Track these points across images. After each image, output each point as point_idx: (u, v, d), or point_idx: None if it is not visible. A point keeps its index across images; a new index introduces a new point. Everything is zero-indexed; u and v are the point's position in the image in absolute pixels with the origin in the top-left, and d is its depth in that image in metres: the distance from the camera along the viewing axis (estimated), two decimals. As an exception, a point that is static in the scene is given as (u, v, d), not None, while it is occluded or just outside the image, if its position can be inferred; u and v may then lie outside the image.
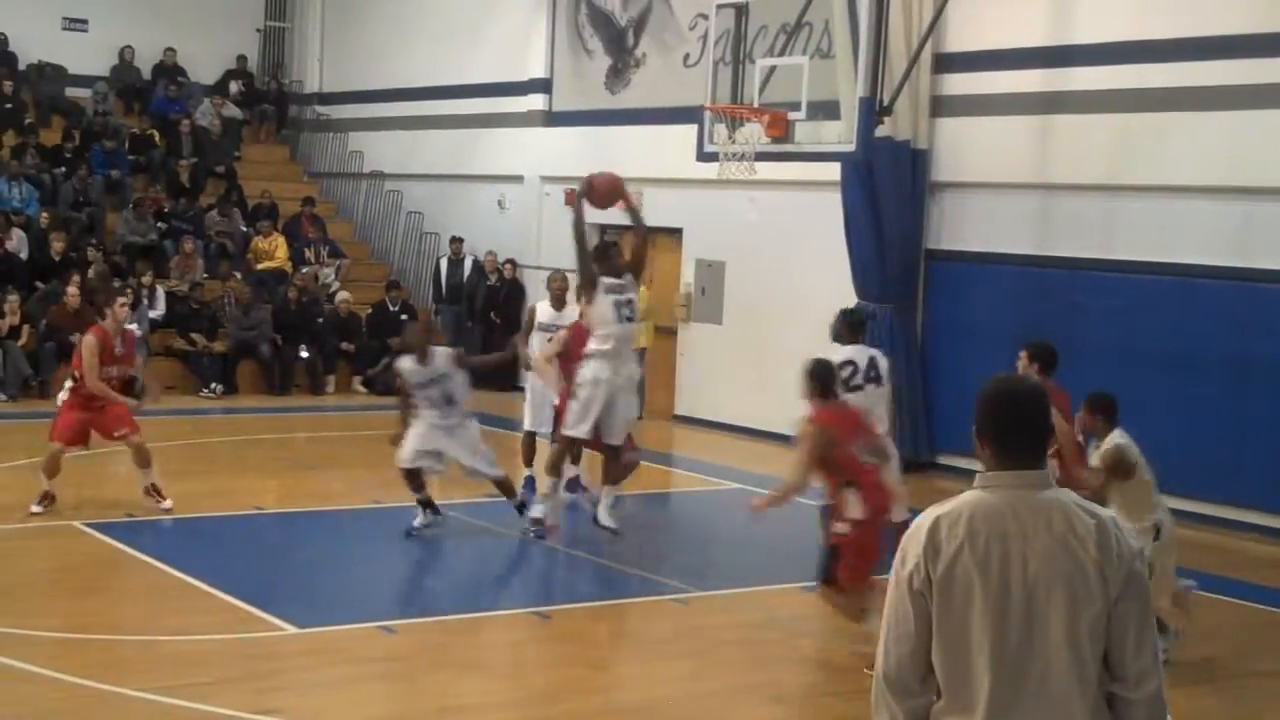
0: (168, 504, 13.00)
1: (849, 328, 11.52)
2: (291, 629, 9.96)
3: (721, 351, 19.67)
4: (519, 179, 23.44)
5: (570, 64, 22.83)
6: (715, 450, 18.29)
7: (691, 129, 19.51)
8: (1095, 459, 9.79)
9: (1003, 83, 16.88)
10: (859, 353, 11.29)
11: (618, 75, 22.08)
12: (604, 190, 12.11)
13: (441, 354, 12.49)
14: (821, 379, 9.48)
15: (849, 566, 9.23)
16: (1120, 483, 9.56)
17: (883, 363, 11.42)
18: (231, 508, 13.73)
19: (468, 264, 24.09)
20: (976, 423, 4.14)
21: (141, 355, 20.56)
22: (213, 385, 21.22)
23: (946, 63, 17.46)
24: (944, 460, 17.32)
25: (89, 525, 12.48)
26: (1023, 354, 10.39)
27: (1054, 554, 3.97)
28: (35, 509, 12.65)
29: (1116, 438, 9.68)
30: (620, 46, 22.03)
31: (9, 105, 25.34)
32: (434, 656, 9.63)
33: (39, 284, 21.32)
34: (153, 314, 21.50)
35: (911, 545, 4.07)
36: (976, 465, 4.25)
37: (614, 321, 11.90)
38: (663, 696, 9.04)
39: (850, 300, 17.60)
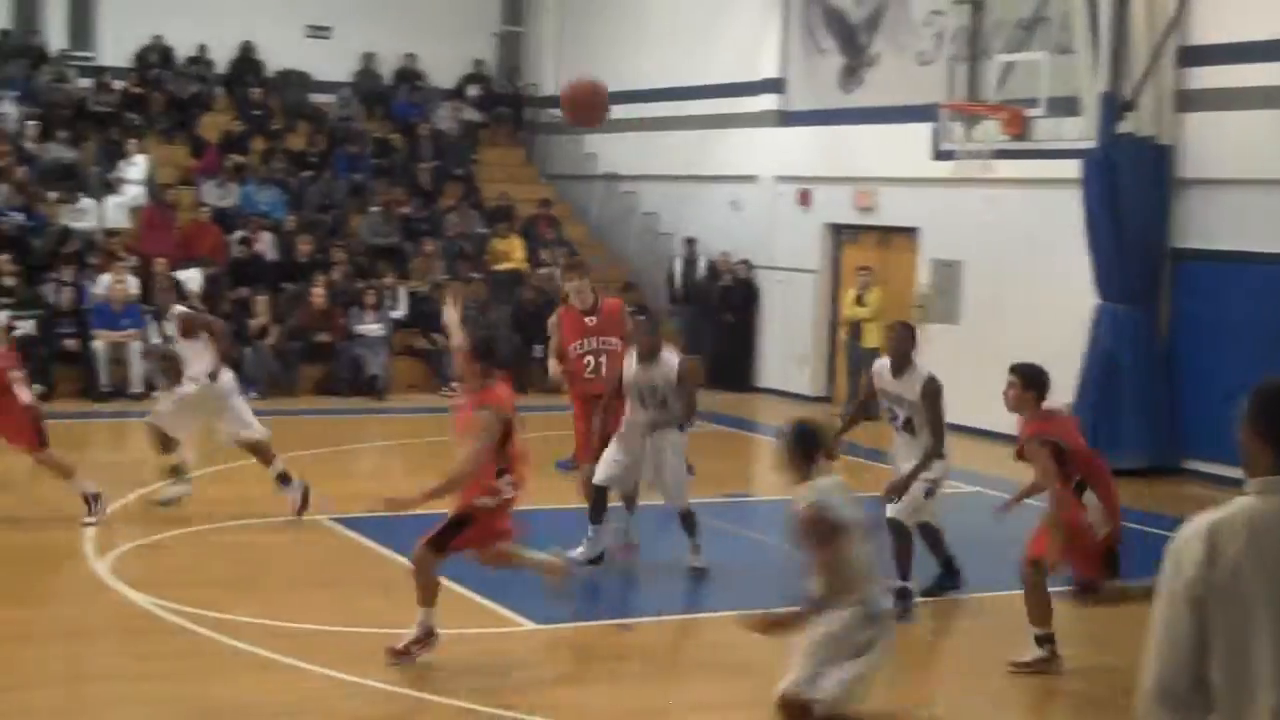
0: (91, 520, 12.39)
1: None
2: (529, 625, 10.08)
3: (959, 353, 19.33)
4: (753, 179, 23.41)
5: (803, 63, 22.74)
6: (953, 453, 17.99)
7: (927, 127, 19.31)
8: None
9: (1252, 75, 16.35)
10: None
11: (851, 74, 21.93)
12: (583, 101, 10.94)
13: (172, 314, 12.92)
14: (486, 352, 9.15)
15: (469, 537, 9.02)
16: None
17: None
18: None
19: (702, 265, 24.15)
20: (1251, 424, 3.97)
21: (384, 354, 21.13)
22: (453, 384, 21.60)
23: (1192, 56, 16.97)
24: (1191, 465, 16.84)
25: (334, 520, 12.78)
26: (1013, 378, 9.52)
27: None
28: (90, 520, 12.36)
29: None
30: (854, 45, 21.88)
31: (257, 112, 26.13)
32: (669, 655, 9.66)
33: (286, 285, 21.96)
34: (395, 314, 21.99)
35: (1187, 553, 3.91)
36: (1226, 471, 4.11)
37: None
38: (894, 700, 8.93)
39: (1091, 300, 17.25)
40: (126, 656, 9.33)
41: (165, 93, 25.77)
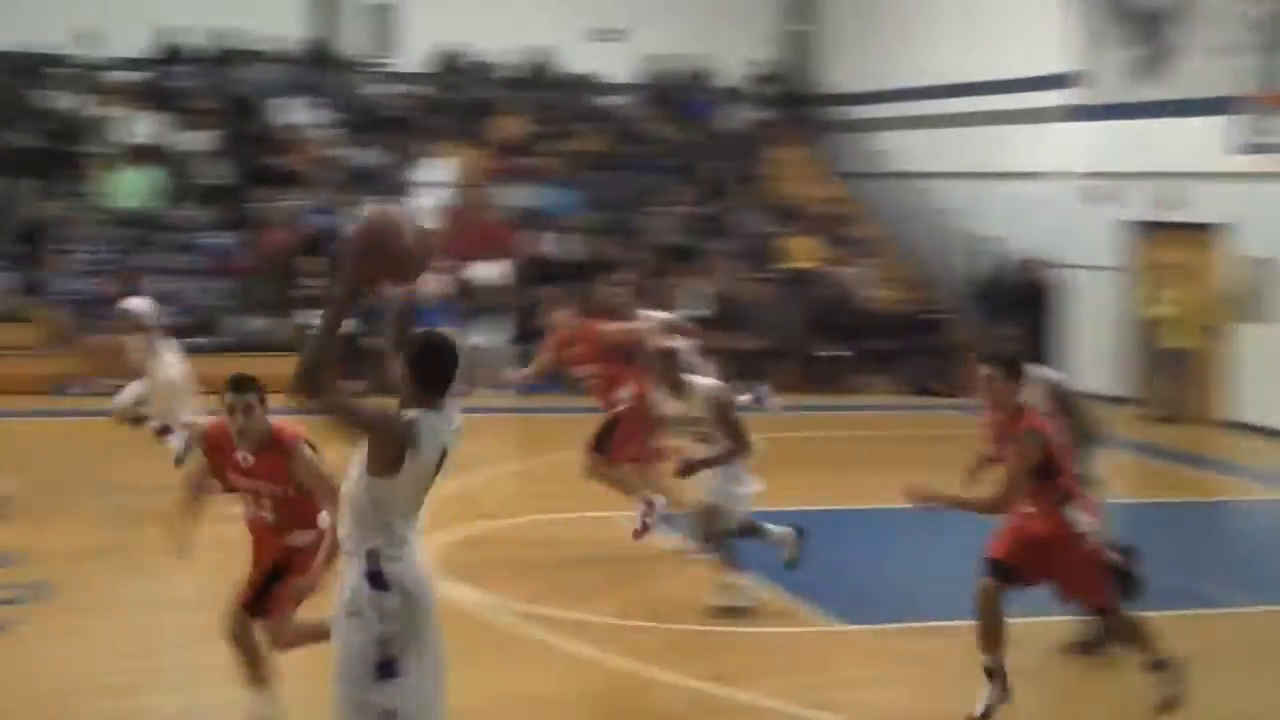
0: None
1: None
2: (840, 626, 10.04)
3: (1272, 353, 18.70)
4: (1048, 175, 22.93)
5: (1098, 56, 22.18)
6: (1271, 457, 17.52)
7: (1231, 120, 18.69)
8: None
9: None
10: None
11: (1149, 66, 21.32)
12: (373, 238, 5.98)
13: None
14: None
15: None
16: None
17: None
18: (773, 504, 13.86)
19: (997, 263, 23.77)
20: None
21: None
22: (749, 383, 21.64)
23: None
24: None
25: (630, 515, 12.84)
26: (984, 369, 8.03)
27: None
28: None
29: None
30: (1151, 36, 21.26)
31: (549, 114, 26.57)
32: (970, 659, 9.48)
33: (578, 284, 22.26)
34: (687, 313, 22.10)
35: None
36: None
37: None
38: (1217, 712, 8.65)
39: None
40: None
41: (462, 97, 26.39)
